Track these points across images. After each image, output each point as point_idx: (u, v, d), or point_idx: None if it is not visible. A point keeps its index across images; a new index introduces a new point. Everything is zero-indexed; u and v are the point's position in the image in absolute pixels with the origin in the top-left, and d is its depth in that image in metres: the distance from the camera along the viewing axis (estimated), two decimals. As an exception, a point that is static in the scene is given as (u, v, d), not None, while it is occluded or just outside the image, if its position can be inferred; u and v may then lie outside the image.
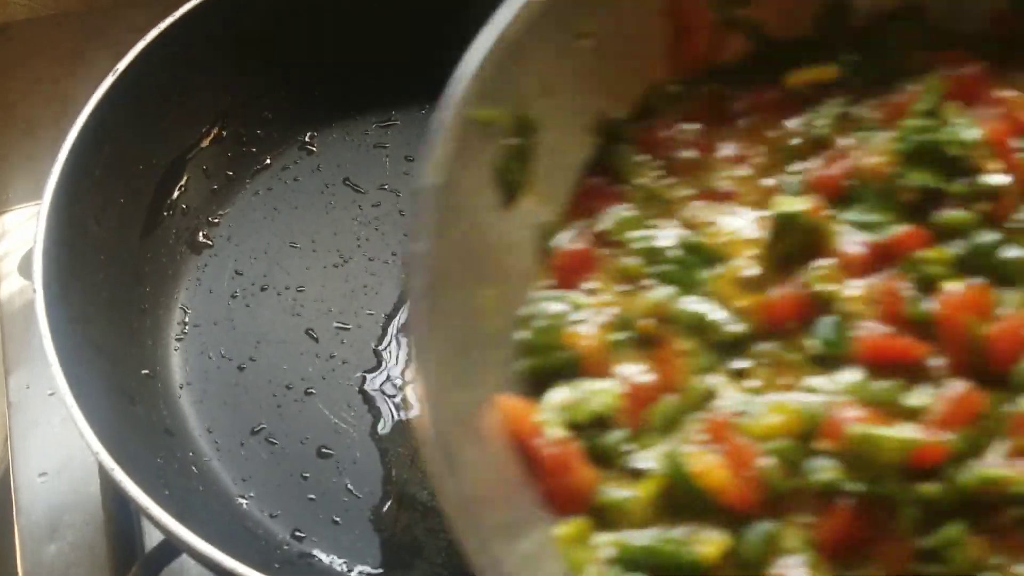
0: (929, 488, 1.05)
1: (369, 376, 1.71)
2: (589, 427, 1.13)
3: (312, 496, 1.61)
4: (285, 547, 1.57)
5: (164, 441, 1.67)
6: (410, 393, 1.64)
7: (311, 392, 1.70)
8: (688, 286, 1.19)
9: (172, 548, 1.58)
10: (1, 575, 1.72)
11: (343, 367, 1.72)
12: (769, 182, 1.26)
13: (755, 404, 1.12)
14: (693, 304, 1.18)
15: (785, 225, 1.19)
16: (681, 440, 1.11)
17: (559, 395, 1.15)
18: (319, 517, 1.59)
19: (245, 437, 1.67)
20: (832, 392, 1.11)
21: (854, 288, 1.16)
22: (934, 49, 1.31)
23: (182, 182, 1.86)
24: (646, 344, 1.18)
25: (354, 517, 1.59)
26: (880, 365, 1.12)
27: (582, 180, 1.29)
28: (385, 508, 1.59)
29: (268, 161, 1.93)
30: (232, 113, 1.91)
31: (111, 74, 1.71)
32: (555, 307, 1.19)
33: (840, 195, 1.21)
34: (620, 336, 1.18)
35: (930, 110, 1.22)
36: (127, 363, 1.71)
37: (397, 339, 1.74)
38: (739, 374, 1.15)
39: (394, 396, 1.70)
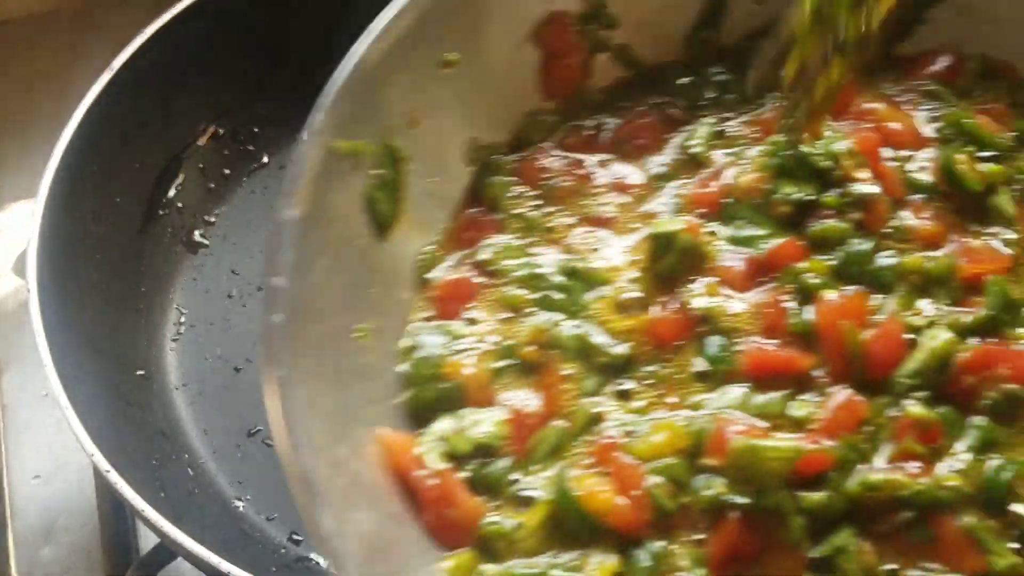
0: (815, 496, 1.06)
1: (368, 377, 1.70)
2: (474, 457, 1.13)
3: (310, 499, 1.59)
4: (282, 550, 1.56)
5: (159, 443, 1.65)
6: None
7: (309, 393, 1.68)
8: (570, 311, 1.20)
9: (167, 551, 1.57)
10: (-6, 578, 1.71)
11: (341, 368, 1.71)
12: (648, 205, 1.28)
13: (640, 424, 1.12)
14: (575, 328, 1.18)
15: (661, 245, 1.21)
16: (567, 465, 1.12)
17: (441, 426, 1.15)
18: (317, 520, 1.57)
19: (242, 439, 1.66)
20: (717, 408, 1.12)
21: (735, 304, 1.17)
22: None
23: (178, 180, 1.85)
24: (530, 371, 1.18)
25: (352, 520, 1.57)
26: (765, 378, 1.13)
27: (460, 210, 1.30)
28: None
29: (265, 160, 1.92)
30: (229, 111, 1.90)
31: (107, 71, 1.69)
32: (435, 338, 1.20)
33: (718, 212, 1.24)
34: (502, 364, 1.18)
35: (797, 124, 1.23)
36: (122, 364, 1.70)
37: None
38: (625, 396, 1.16)
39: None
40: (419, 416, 1.17)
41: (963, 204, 1.22)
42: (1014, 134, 1.26)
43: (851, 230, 1.19)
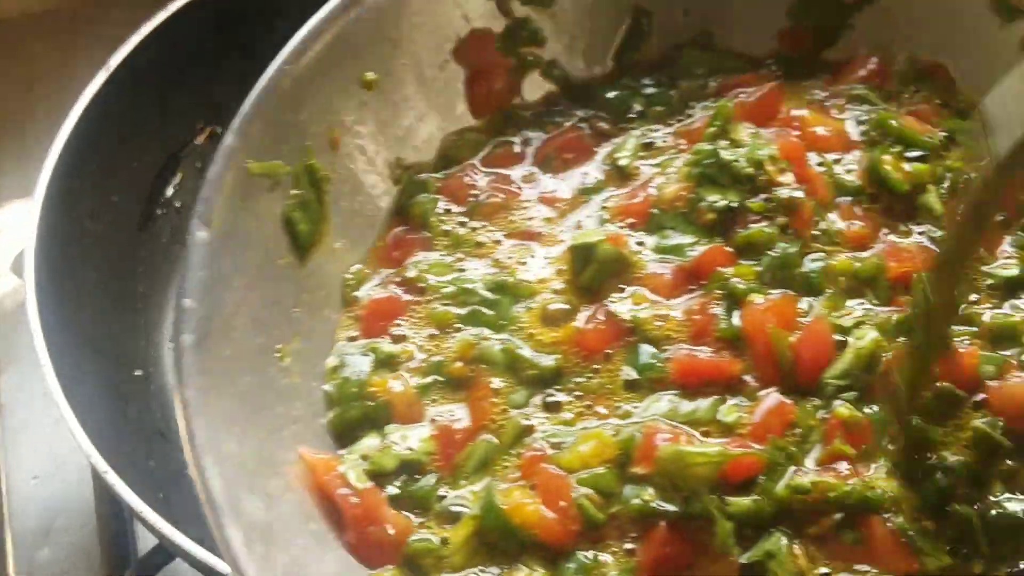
0: (743, 502, 1.06)
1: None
2: (400, 473, 1.14)
3: (309, 499, 1.58)
4: (282, 551, 1.55)
5: (158, 443, 1.65)
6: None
7: (308, 393, 1.68)
8: (498, 325, 1.21)
9: (166, 553, 1.56)
10: (-8, 580, 1.71)
11: (340, 367, 1.70)
12: (574, 217, 1.28)
13: (567, 436, 1.13)
14: (503, 342, 1.19)
15: (582, 256, 1.22)
16: (494, 479, 1.12)
17: (365, 444, 1.16)
18: (316, 520, 1.57)
19: (241, 439, 1.64)
20: (647, 416, 1.12)
21: (663, 311, 1.18)
22: (728, 74, 1.36)
23: (176, 180, 1.85)
24: (459, 387, 1.18)
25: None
26: (694, 385, 1.14)
27: (387, 229, 1.30)
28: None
29: (264, 158, 1.91)
30: (227, 109, 1.88)
31: (103, 70, 1.69)
32: (361, 357, 1.20)
33: (645, 222, 1.24)
34: (430, 381, 1.19)
35: (719, 132, 1.26)
36: (120, 364, 1.69)
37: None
38: (555, 407, 1.16)
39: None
40: (345, 435, 1.17)
41: (892, 204, 1.23)
42: (944, 134, 1.27)
43: (777, 234, 1.20)
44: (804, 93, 1.34)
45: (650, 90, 1.37)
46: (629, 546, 1.08)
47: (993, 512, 1.06)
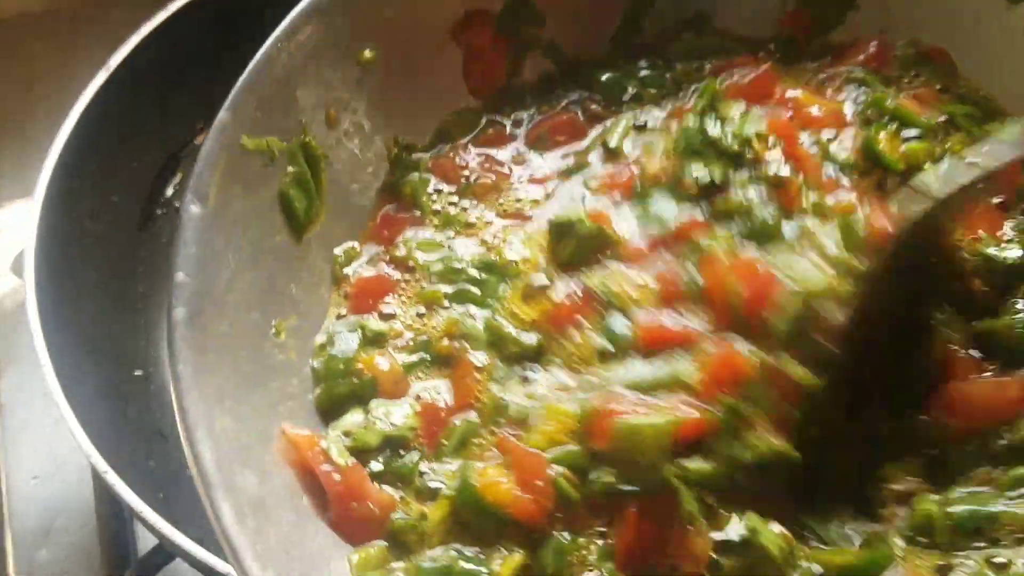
0: (703, 467, 1.05)
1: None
2: (383, 449, 1.14)
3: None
4: (282, 551, 1.55)
5: (158, 443, 1.65)
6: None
7: (308, 393, 1.68)
8: (485, 304, 1.22)
9: (166, 553, 1.56)
10: (-8, 580, 1.70)
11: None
12: (560, 194, 1.29)
13: (533, 412, 1.13)
14: (486, 320, 1.20)
15: (563, 232, 1.22)
16: (472, 457, 1.13)
17: (349, 420, 1.16)
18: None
19: (241, 439, 1.64)
20: (610, 385, 1.11)
21: (636, 278, 1.17)
22: (725, 55, 1.36)
23: (176, 179, 1.84)
24: (444, 364, 1.19)
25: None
26: (661, 348, 1.12)
27: (379, 207, 1.31)
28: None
29: (264, 158, 1.91)
30: (227, 109, 1.89)
31: (104, 70, 1.68)
32: (349, 334, 1.21)
33: (629, 195, 1.24)
34: (416, 359, 1.19)
35: (707, 108, 1.25)
36: (120, 364, 1.69)
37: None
38: (530, 382, 1.16)
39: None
40: (331, 411, 1.17)
41: (884, 180, 1.22)
42: (944, 117, 1.26)
43: (756, 203, 1.19)
44: (801, 75, 1.34)
45: (645, 72, 1.38)
46: (601, 528, 1.08)
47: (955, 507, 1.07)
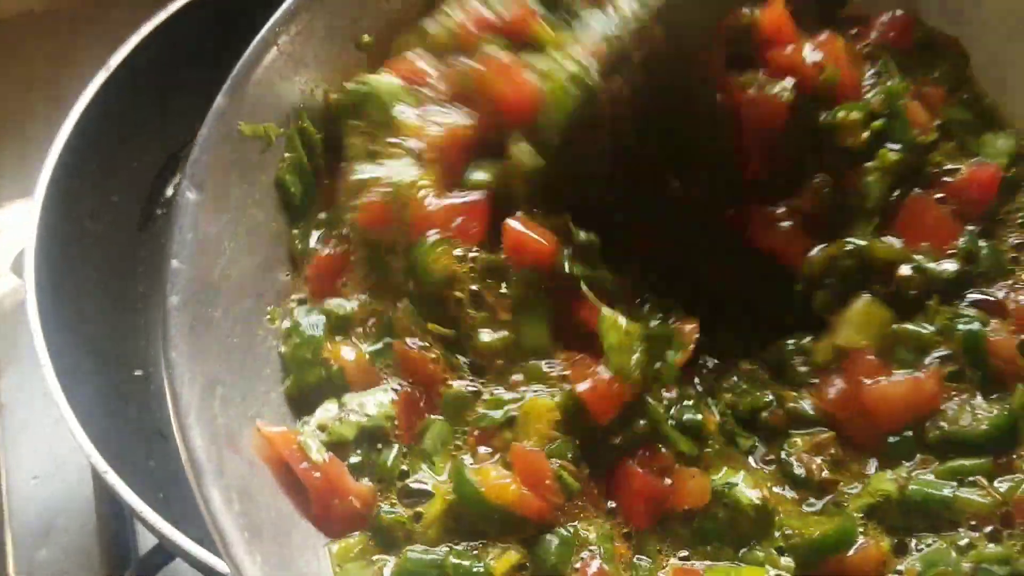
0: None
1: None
2: (362, 443, 1.12)
3: (309, 499, 1.58)
4: (282, 551, 1.55)
5: (158, 444, 1.65)
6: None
7: (308, 393, 1.67)
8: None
9: (166, 552, 1.56)
10: (-8, 579, 1.70)
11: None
12: None
13: (508, 410, 1.12)
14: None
15: None
16: (459, 455, 1.11)
17: (324, 412, 1.14)
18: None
19: (241, 439, 1.64)
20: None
21: None
22: None
23: (176, 179, 1.84)
24: (398, 357, 1.15)
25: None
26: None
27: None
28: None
29: (264, 158, 1.91)
30: (227, 109, 1.89)
31: (104, 70, 1.68)
32: (315, 318, 1.17)
33: None
34: (381, 345, 1.16)
35: None
36: (120, 364, 1.69)
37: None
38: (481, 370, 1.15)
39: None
40: (302, 402, 1.14)
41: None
42: (938, 123, 1.24)
43: None
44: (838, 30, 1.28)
45: None
46: (612, 504, 1.10)
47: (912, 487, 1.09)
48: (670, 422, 1.12)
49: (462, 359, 1.14)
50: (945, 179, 1.22)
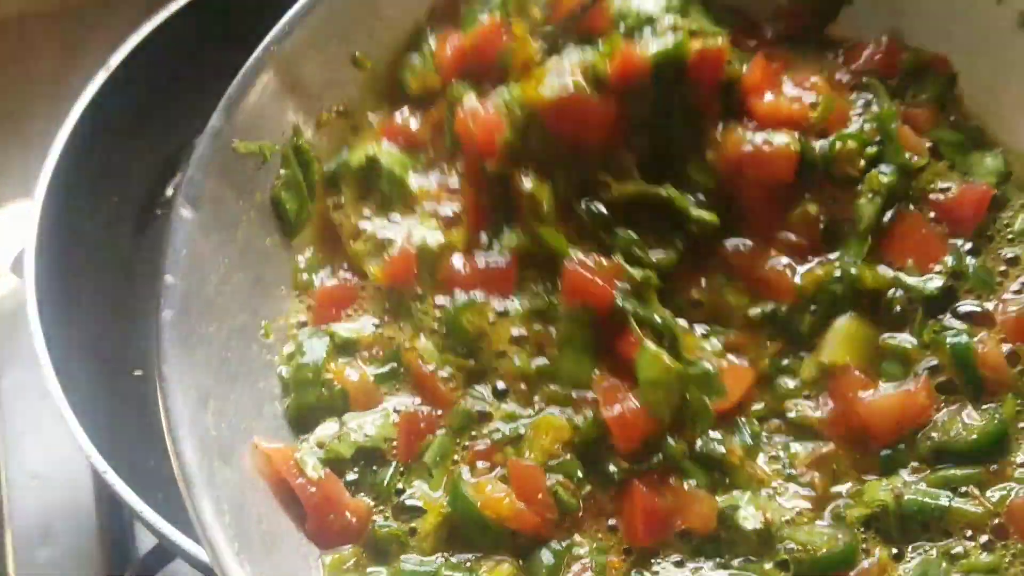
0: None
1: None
2: (359, 460, 1.14)
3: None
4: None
5: (158, 444, 1.64)
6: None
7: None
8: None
9: (166, 552, 1.56)
10: (-8, 579, 1.70)
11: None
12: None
13: (521, 426, 1.14)
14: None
15: None
16: (456, 470, 1.13)
17: (323, 431, 1.16)
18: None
19: (240, 439, 1.64)
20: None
21: None
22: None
23: (175, 180, 1.84)
24: (411, 375, 1.18)
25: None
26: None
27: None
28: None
29: (263, 158, 1.91)
30: (227, 109, 1.89)
31: (103, 70, 1.68)
32: (318, 341, 1.19)
33: None
34: (387, 369, 1.19)
35: None
36: (120, 364, 1.69)
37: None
38: (501, 395, 1.17)
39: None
40: (302, 422, 1.17)
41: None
42: (928, 144, 1.25)
43: None
44: (818, 65, 1.30)
45: None
46: (612, 522, 1.10)
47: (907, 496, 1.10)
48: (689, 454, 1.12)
49: (479, 388, 1.17)
50: (936, 198, 1.23)
